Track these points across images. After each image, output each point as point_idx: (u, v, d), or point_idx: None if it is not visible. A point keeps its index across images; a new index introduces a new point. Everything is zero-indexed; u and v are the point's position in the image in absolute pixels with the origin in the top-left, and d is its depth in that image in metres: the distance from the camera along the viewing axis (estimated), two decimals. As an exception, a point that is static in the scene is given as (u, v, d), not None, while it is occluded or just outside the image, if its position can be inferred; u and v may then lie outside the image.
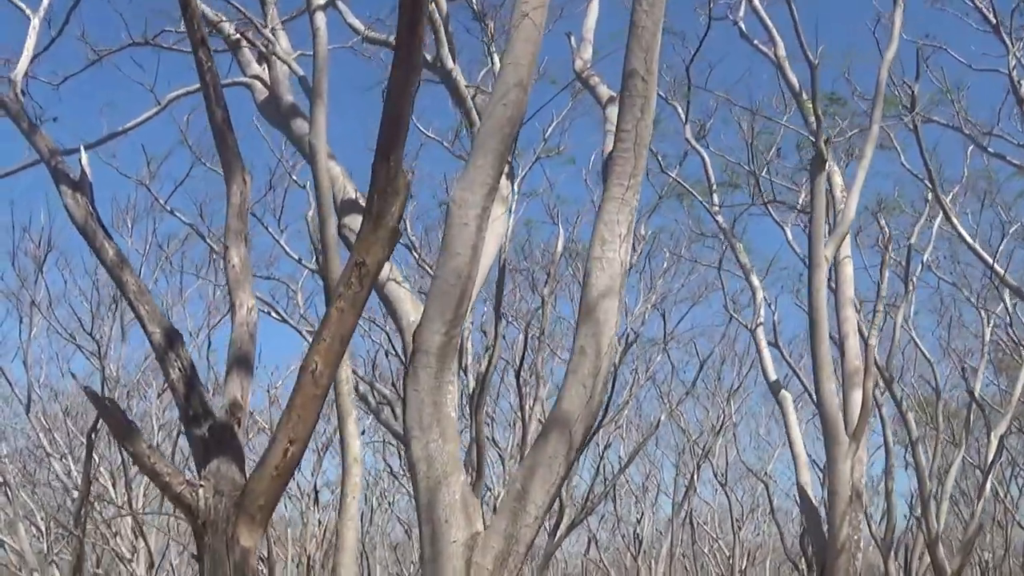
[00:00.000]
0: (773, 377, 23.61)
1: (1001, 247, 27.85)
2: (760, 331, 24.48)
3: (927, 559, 29.67)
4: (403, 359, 14.67)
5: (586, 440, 16.01)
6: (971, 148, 27.60)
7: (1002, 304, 31.65)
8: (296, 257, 28.42)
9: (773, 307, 25.47)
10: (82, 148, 11.69)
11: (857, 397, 20.25)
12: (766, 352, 24.08)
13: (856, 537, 20.38)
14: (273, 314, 29.78)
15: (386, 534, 45.65)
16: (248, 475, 10.04)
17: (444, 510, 15.11)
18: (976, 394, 31.06)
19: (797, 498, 23.09)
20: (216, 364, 33.22)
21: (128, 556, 32.96)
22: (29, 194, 59.59)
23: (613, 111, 15.06)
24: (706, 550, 48.13)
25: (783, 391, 23.29)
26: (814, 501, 21.55)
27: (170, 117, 25.14)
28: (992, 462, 29.96)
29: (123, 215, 33.00)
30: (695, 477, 40.83)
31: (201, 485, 9.71)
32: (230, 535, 9.58)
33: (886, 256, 26.25)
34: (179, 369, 10.49)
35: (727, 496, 42.55)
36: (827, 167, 20.27)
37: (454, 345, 15.13)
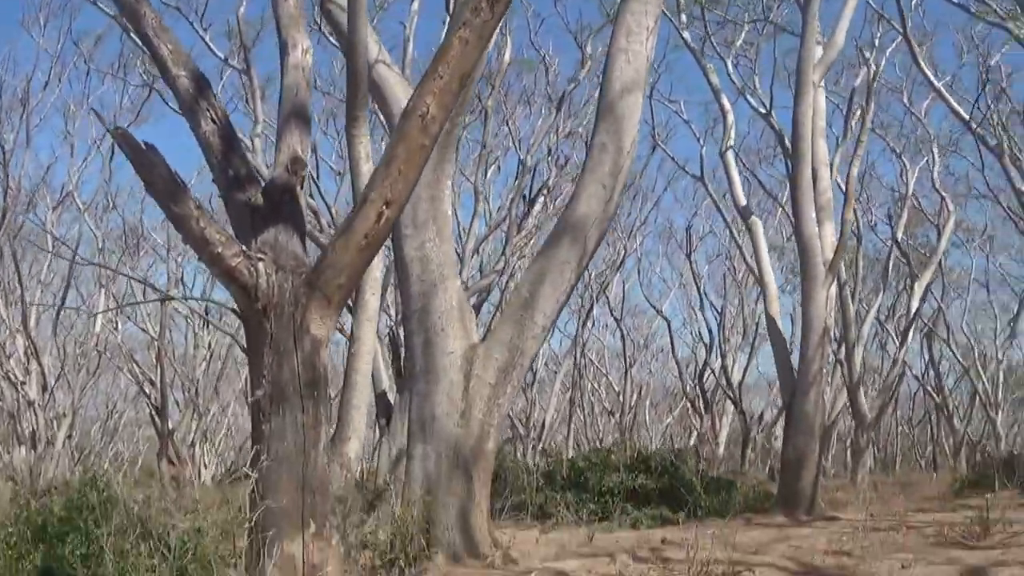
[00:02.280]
0: (743, 202, 21.93)
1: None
2: (730, 155, 22.66)
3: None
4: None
5: (599, 245, 14.19)
6: None
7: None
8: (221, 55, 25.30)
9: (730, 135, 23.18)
10: None
11: (828, 229, 18.76)
12: (736, 176, 22.40)
13: (825, 371, 18.99)
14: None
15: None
16: (326, 245, 7.87)
17: (440, 317, 13.01)
18: (899, 242, 30.09)
19: (766, 329, 21.49)
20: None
21: (21, 379, 30.07)
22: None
23: None
24: (600, 386, 47.04)
25: (753, 216, 21.59)
26: (781, 332, 19.98)
27: None
28: (916, 311, 29.05)
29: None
30: (591, 312, 39.25)
31: (260, 258, 7.39)
32: (298, 322, 7.38)
33: (871, 87, 24.50)
34: (212, 120, 8.09)
35: (622, 333, 41.25)
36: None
37: (455, 135, 12.90)
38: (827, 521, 16.30)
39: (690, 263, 37.09)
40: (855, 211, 28.30)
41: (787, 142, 24.95)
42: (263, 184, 7.95)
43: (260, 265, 7.35)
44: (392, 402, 19.80)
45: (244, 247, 7.46)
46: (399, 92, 13.34)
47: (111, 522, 15.06)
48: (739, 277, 38.21)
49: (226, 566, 11.52)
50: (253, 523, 7.22)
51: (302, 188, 8.11)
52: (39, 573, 14.55)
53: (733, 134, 23.04)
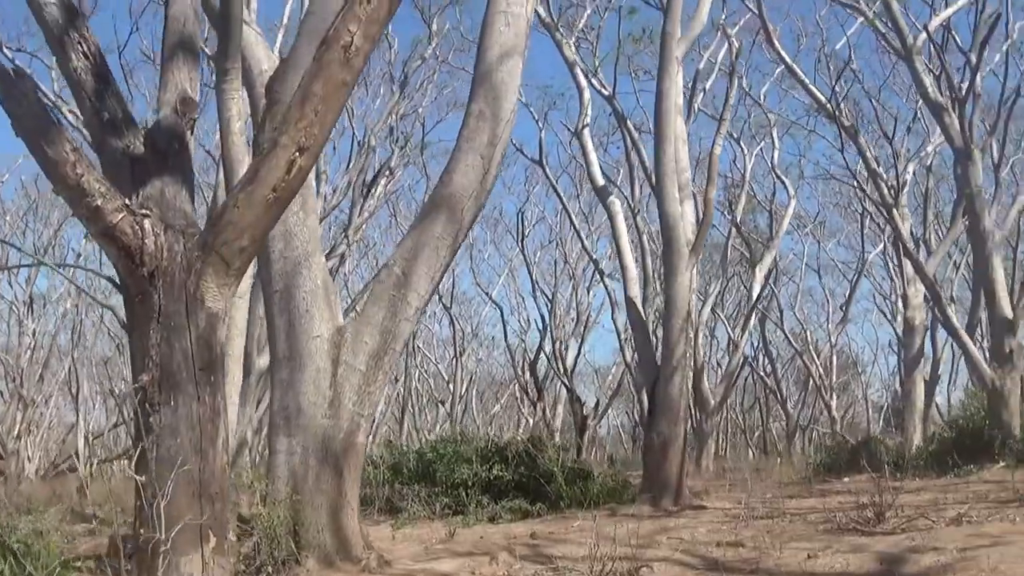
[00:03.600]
0: (601, 182, 21.00)
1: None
2: (586, 133, 21.72)
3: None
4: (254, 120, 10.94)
5: (475, 220, 13.08)
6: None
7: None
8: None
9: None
10: None
11: (688, 208, 18.08)
12: (592, 155, 21.47)
13: (688, 355, 18.29)
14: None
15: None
16: (222, 202, 6.48)
17: (304, 298, 11.56)
18: (739, 227, 29.84)
19: (625, 310, 20.68)
20: None
21: None
22: None
23: None
24: (428, 373, 45.93)
25: (612, 197, 20.71)
26: (642, 315, 19.18)
27: None
28: (758, 296, 28.80)
29: None
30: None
31: (145, 214, 5.98)
32: (192, 291, 6.01)
33: (735, 64, 23.94)
34: (84, 54, 6.62)
35: (451, 320, 40.26)
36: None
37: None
38: (696, 511, 15.68)
39: (522, 249, 36.26)
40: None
41: (629, 124, 24.57)
42: (146, 129, 6.54)
43: (146, 223, 5.96)
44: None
45: (127, 201, 6.04)
46: (260, 53, 11.93)
47: (-74, 525, 13.27)
48: (571, 262, 37.53)
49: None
50: (138, 537, 5.87)
51: (192, 134, 6.74)
52: None
53: (590, 112, 22.06)
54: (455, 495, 17.29)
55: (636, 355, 21.82)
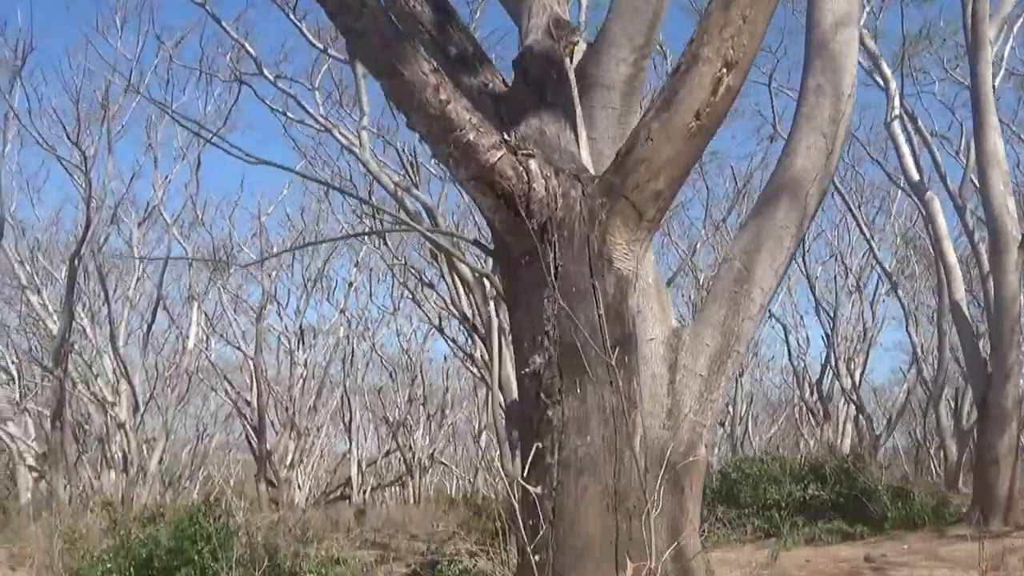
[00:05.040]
0: (916, 177, 18.95)
1: None
2: (896, 125, 19.66)
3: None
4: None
5: (819, 207, 11.54)
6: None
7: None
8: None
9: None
10: None
11: (1011, 204, 15.99)
12: (905, 147, 19.42)
13: (1021, 359, 16.07)
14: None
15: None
16: (628, 136, 5.11)
17: (636, 297, 10.44)
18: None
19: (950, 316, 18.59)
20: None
21: (110, 400, 27.63)
22: None
23: None
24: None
25: (929, 192, 18.64)
26: (968, 320, 17.09)
27: None
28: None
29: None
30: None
31: (530, 153, 4.58)
32: (596, 249, 4.61)
33: None
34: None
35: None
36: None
37: (642, 79, 10.12)
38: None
39: (804, 266, 33.97)
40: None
41: (920, 123, 22.32)
42: (520, 54, 5.20)
43: (532, 164, 4.58)
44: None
45: (506, 137, 4.70)
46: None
47: (230, 552, 12.40)
48: (853, 273, 35.01)
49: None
50: (526, 560, 4.47)
51: (571, 61, 5.39)
52: (145, 615, 11.85)
53: (897, 103, 19.87)
54: (766, 516, 16.14)
55: (964, 364, 19.56)
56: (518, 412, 15.47)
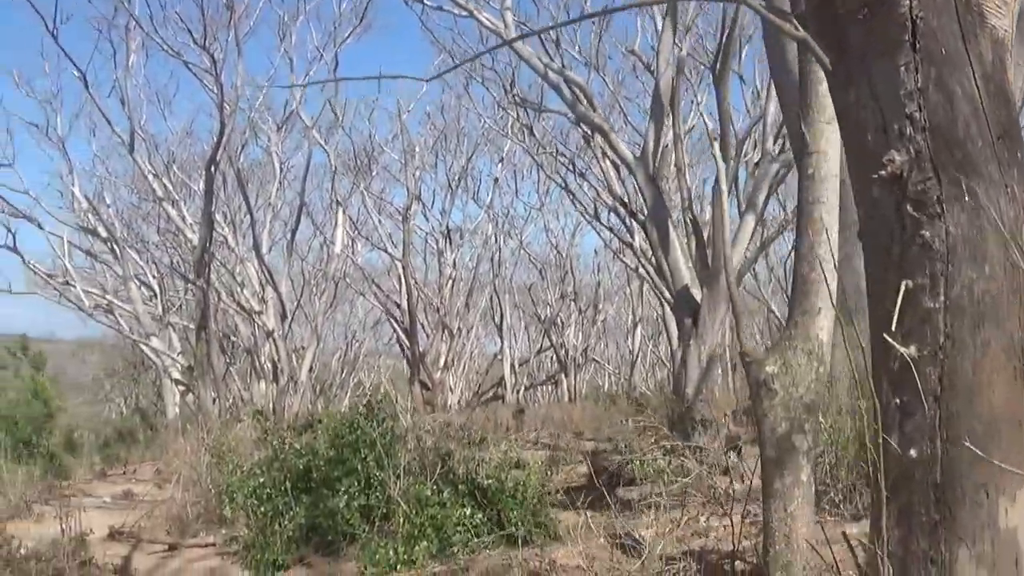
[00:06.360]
0: None
1: None
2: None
3: None
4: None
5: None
6: None
7: None
8: None
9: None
10: None
11: None
12: None
13: None
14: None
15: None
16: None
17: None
18: None
19: None
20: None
21: (256, 309, 26.91)
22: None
23: None
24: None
25: None
26: None
27: None
28: None
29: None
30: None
31: None
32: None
33: None
34: None
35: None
36: None
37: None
38: None
39: None
40: None
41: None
42: None
43: None
44: (698, 298, 15.69)
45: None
46: None
47: (396, 459, 11.24)
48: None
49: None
50: (890, 454, 2.99)
51: None
52: (304, 532, 10.80)
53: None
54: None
55: None
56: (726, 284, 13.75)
